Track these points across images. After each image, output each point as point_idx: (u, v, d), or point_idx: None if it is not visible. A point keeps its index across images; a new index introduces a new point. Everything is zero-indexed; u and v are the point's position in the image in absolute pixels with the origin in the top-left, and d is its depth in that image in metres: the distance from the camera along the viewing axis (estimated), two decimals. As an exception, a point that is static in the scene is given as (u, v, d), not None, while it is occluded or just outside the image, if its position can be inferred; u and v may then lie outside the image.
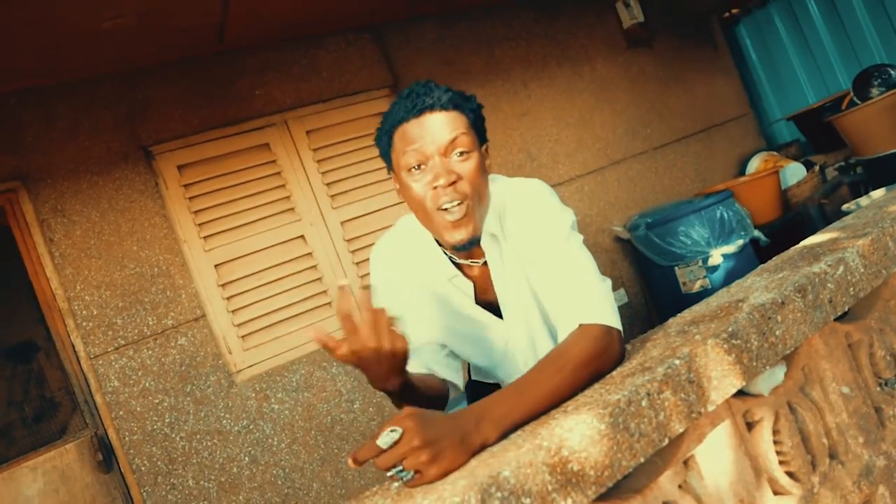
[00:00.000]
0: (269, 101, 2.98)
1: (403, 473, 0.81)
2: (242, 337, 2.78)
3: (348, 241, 3.08)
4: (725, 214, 3.35)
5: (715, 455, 1.05)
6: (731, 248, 3.29)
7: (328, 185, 3.07)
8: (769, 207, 3.75)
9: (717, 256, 3.29)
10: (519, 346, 1.27)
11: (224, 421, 2.66)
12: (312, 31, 3.10)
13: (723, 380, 0.99)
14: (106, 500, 2.44)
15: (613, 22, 4.10)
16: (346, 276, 3.03)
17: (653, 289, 3.74)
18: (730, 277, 3.25)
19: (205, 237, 2.77)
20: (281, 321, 2.86)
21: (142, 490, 2.47)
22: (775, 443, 1.15)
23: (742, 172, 4.30)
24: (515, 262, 1.23)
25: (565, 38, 3.93)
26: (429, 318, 1.24)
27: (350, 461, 0.85)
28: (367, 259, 3.06)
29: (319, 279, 2.98)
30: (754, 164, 4.20)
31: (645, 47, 4.20)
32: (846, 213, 2.60)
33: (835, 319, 1.30)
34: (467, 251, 1.16)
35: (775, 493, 1.12)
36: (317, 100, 3.10)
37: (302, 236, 2.99)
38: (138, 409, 2.53)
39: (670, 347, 1.03)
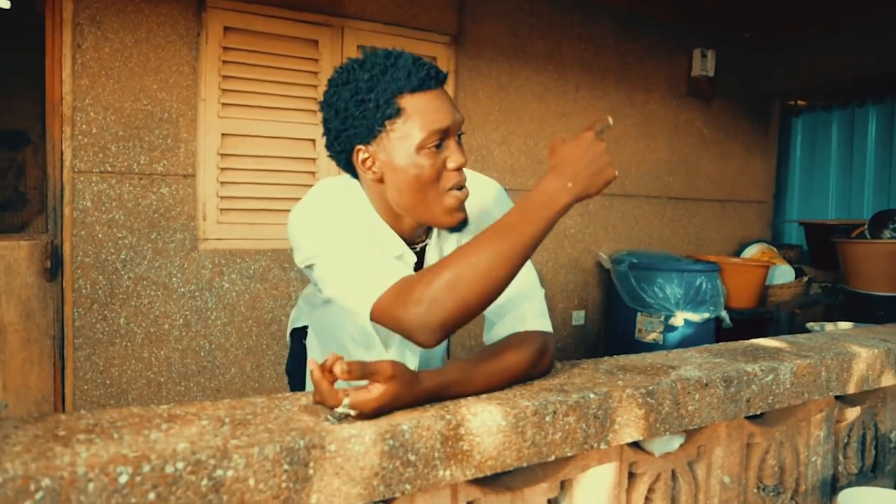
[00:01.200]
0: (334, 1, 2.95)
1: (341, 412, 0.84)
2: (221, 209, 2.81)
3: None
4: (705, 285, 3.43)
5: (592, 487, 1.13)
6: (695, 317, 3.38)
7: (357, 103, 3.07)
8: (747, 295, 3.84)
9: (679, 319, 3.39)
10: None
11: (174, 278, 2.72)
12: (402, -48, 3.06)
13: (625, 427, 1.06)
14: (40, 305, 2.50)
15: (683, 66, 4.08)
16: (339, 194, 3.06)
17: (610, 322, 3.84)
18: (683, 342, 3.35)
19: (223, 103, 2.78)
20: (262, 210, 2.90)
21: (75, 309, 2.54)
22: (647, 499, 1.25)
23: (738, 254, 4.38)
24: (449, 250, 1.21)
25: (633, 60, 3.92)
26: None
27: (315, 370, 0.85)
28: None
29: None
30: (751, 251, 4.27)
31: (702, 101, 4.21)
32: (808, 331, 2.70)
33: (747, 417, 1.39)
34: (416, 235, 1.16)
35: (628, 539, 1.22)
36: (379, 19, 3.08)
37: (313, 140, 3.00)
38: (100, 235, 2.57)
39: (593, 381, 1.11)
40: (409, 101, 1.00)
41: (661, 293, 3.43)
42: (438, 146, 1.02)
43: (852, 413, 1.59)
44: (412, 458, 0.86)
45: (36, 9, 2.50)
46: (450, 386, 0.96)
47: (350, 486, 0.82)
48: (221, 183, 2.80)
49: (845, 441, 1.60)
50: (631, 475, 1.21)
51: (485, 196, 1.20)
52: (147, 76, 2.62)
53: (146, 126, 2.63)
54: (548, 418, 0.98)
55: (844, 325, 2.69)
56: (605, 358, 1.29)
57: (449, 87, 3.30)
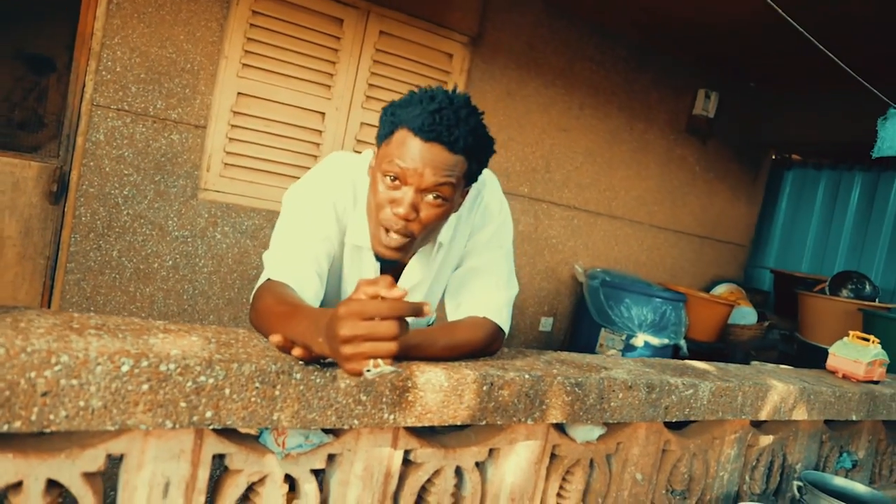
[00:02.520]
0: (365, -16, 3.08)
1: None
2: (225, 164, 2.94)
3: (358, 141, 3.24)
4: (669, 313, 3.61)
5: (516, 458, 1.29)
6: (655, 341, 3.56)
7: (370, 86, 3.21)
8: (709, 329, 4.03)
9: (640, 340, 3.56)
10: None
11: (170, 221, 2.84)
12: (438, -51, 3.19)
13: (552, 409, 1.22)
14: (40, 225, 2.62)
15: (686, 103, 4.25)
16: (339, 169, 3.20)
17: (575, 333, 4.02)
18: (574, 353, 3.52)
19: (244, 64, 2.90)
20: (263, 171, 3.03)
21: (73, 235, 2.66)
22: (564, 479, 1.41)
23: (707, 289, 4.57)
24: (445, 264, 1.32)
25: (639, 90, 4.08)
26: (330, 265, 1.25)
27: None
28: (365, 167, 3.23)
29: (315, 157, 3.15)
30: (720, 289, 4.46)
31: (699, 140, 4.38)
32: (752, 368, 2.87)
33: (668, 426, 1.55)
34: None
35: (541, 511, 1.38)
36: (405, 10, 3.21)
37: (323, 113, 3.13)
38: (107, 169, 2.69)
39: (531, 366, 1.27)
40: (402, 135, 1.06)
41: (626, 313, 3.61)
42: (394, 180, 1.08)
43: (764, 440, 1.76)
44: (363, 398, 1.01)
45: (81, -56, 2.61)
46: (411, 349, 1.09)
47: (307, 412, 0.97)
48: (230, 139, 2.93)
49: (754, 464, 1.78)
50: (553, 456, 1.38)
51: (483, 219, 1.31)
52: (176, 26, 2.74)
53: (167, 73, 2.75)
54: (485, 388, 1.13)
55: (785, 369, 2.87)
56: (549, 351, 1.45)
57: (459, 83, 3.44)
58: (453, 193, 1.10)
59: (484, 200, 1.32)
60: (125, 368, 0.84)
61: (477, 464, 1.27)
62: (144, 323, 1.01)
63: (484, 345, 1.23)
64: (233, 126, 2.93)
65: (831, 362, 2.02)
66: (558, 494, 1.41)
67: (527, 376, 1.19)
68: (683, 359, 3.82)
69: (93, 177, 2.67)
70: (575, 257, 4.02)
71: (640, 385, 1.36)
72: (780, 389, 1.65)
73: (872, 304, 3.42)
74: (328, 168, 1.28)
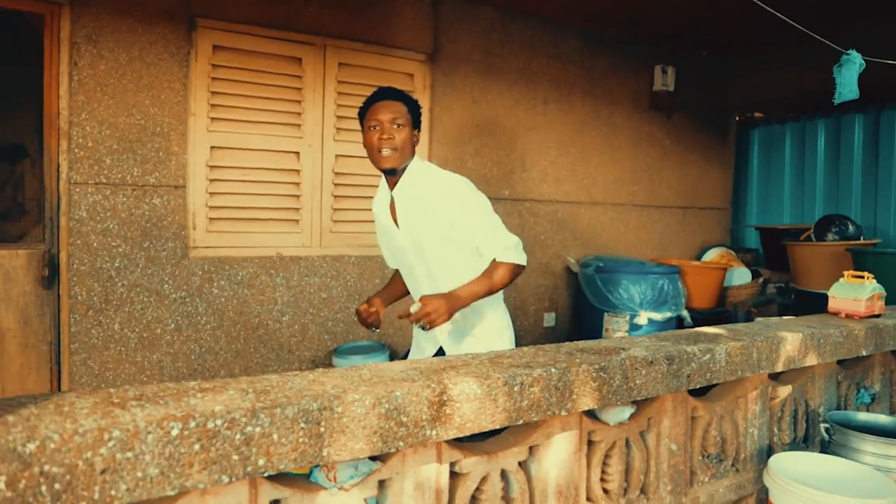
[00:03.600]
0: (317, 21, 3.13)
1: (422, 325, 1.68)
2: (210, 219, 2.96)
3: (336, 173, 3.27)
4: (667, 287, 3.67)
5: (556, 451, 1.33)
6: (658, 316, 3.62)
7: (339, 118, 3.25)
8: (707, 296, 4.10)
9: (643, 318, 3.62)
10: (405, 246, 1.94)
11: (166, 285, 2.85)
12: (381, -24, 3.25)
13: (582, 397, 1.26)
14: (37, 312, 2.61)
15: (646, 82, 4.35)
16: (321, 203, 3.23)
17: (579, 324, 4.06)
18: (580, 341, 3.57)
19: (212, 118, 2.93)
20: (249, 219, 3.05)
21: (71, 316, 2.66)
22: (604, 464, 1.44)
23: (698, 257, 4.65)
24: (414, 208, 1.86)
25: (598, 76, 4.17)
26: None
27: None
28: (346, 196, 3.27)
29: (297, 196, 3.18)
30: (711, 255, 4.54)
31: (664, 114, 4.47)
32: (757, 325, 2.92)
33: (692, 394, 1.59)
34: (393, 177, 1.86)
35: (588, 499, 1.41)
36: (360, 39, 3.27)
37: (297, 153, 3.17)
38: (95, 244, 2.70)
39: (554, 359, 1.30)
40: (369, 110, 1.83)
41: (626, 294, 3.66)
42: (374, 128, 1.80)
43: (784, 391, 1.81)
44: (404, 419, 1.04)
45: (33, 27, 2.63)
46: (475, 294, 1.77)
47: (354, 442, 1.00)
48: (210, 193, 2.95)
49: (779, 415, 1.82)
50: (590, 443, 1.41)
51: (434, 188, 1.84)
52: (140, 92, 2.76)
53: (139, 140, 2.77)
54: (516, 388, 1.17)
55: (786, 320, 2.93)
56: (566, 343, 1.48)
57: (423, 100, 3.49)
58: (407, 123, 1.82)
59: (433, 177, 1.86)
60: (175, 432, 0.86)
61: (520, 463, 1.30)
62: (180, 386, 1.03)
63: (509, 280, 1.83)
64: (211, 180, 2.95)
65: (832, 304, 2.08)
66: (602, 479, 1.44)
67: (553, 370, 1.22)
68: (688, 328, 3.88)
69: (82, 254, 2.67)
70: (565, 249, 4.08)
71: (660, 359, 1.40)
72: (790, 339, 1.70)
73: (858, 242, 3.51)
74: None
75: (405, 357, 3.44)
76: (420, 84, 3.51)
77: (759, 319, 3.13)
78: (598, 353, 1.38)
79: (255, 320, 3.06)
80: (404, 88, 3.46)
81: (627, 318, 3.66)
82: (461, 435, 1.12)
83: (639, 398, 1.37)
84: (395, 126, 1.80)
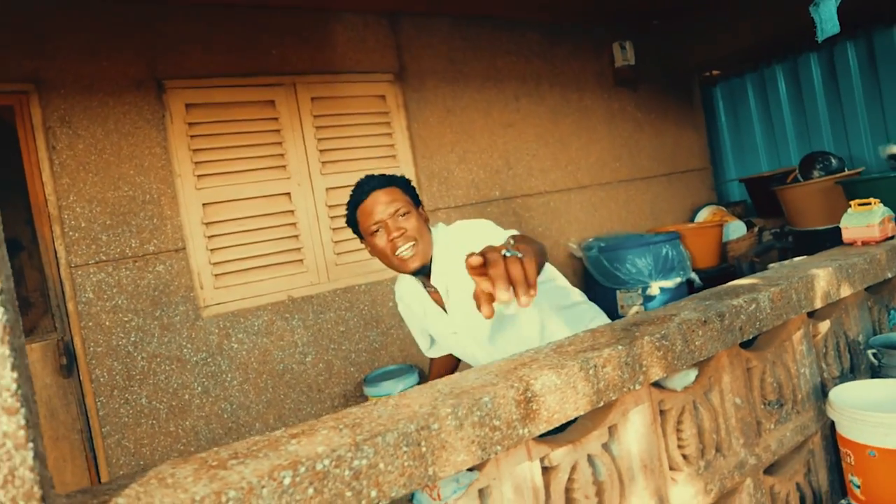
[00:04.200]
0: (283, 61, 3.14)
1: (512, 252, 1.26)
2: (216, 275, 2.93)
3: (330, 206, 3.27)
4: (670, 253, 3.72)
5: (633, 428, 1.33)
6: (669, 283, 3.66)
7: (322, 151, 3.26)
8: (709, 255, 4.15)
9: (655, 288, 3.66)
10: (460, 331, 1.71)
11: (185, 350, 2.81)
12: (336, 5, 3.28)
13: (651, 368, 1.27)
14: (62, 402, 2.56)
15: (606, 60, 4.43)
16: (321, 238, 3.22)
17: (593, 307, 4.08)
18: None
19: (198, 175, 2.91)
20: (254, 268, 3.03)
21: (97, 399, 2.61)
22: (678, 430, 1.45)
23: (692, 219, 4.71)
24: (459, 287, 1.62)
25: (561, 64, 4.23)
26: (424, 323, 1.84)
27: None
28: (344, 227, 3.26)
29: (297, 236, 3.17)
30: (703, 215, 4.61)
31: (630, 89, 4.55)
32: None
33: (742, 346, 1.62)
34: (426, 276, 1.66)
35: (671, 468, 1.42)
36: (327, 70, 3.28)
37: (288, 194, 3.16)
38: (107, 323, 2.66)
39: (615, 338, 1.31)
40: (360, 212, 1.60)
41: (633, 269, 3.70)
42: (377, 230, 1.57)
43: (824, 326, 1.84)
44: (497, 423, 1.04)
45: (3, 119, 2.60)
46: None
47: (455, 455, 0.99)
48: (211, 250, 2.93)
49: (823, 351, 1.86)
50: (662, 413, 1.42)
51: (469, 239, 1.57)
52: (123, 164, 2.74)
53: (131, 210, 2.74)
54: (591, 371, 1.17)
55: (797, 260, 2.98)
56: (616, 321, 1.50)
57: (399, 118, 3.51)
58: (409, 208, 1.59)
59: (456, 231, 1.64)
60: (287, 481, 0.86)
61: (602, 446, 1.31)
62: (269, 437, 1.02)
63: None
64: (209, 237, 2.93)
65: (846, 235, 2.12)
66: (678, 446, 1.45)
67: (619, 347, 1.23)
68: (699, 290, 3.92)
69: (96, 336, 2.63)
70: (564, 237, 4.11)
71: (713, 317, 1.42)
72: (822, 275, 1.73)
73: (845, 174, 3.59)
74: (396, 292, 1.92)
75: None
76: (393, 103, 3.53)
77: (774, 265, 3.19)
78: (653, 322, 1.40)
79: (280, 367, 3.03)
80: (379, 111, 3.50)
81: (639, 291, 3.69)
82: (550, 428, 1.12)
83: (700, 359, 1.39)
84: (401, 217, 1.55)
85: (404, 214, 1.56)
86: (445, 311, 1.70)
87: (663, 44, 4.77)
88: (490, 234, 1.59)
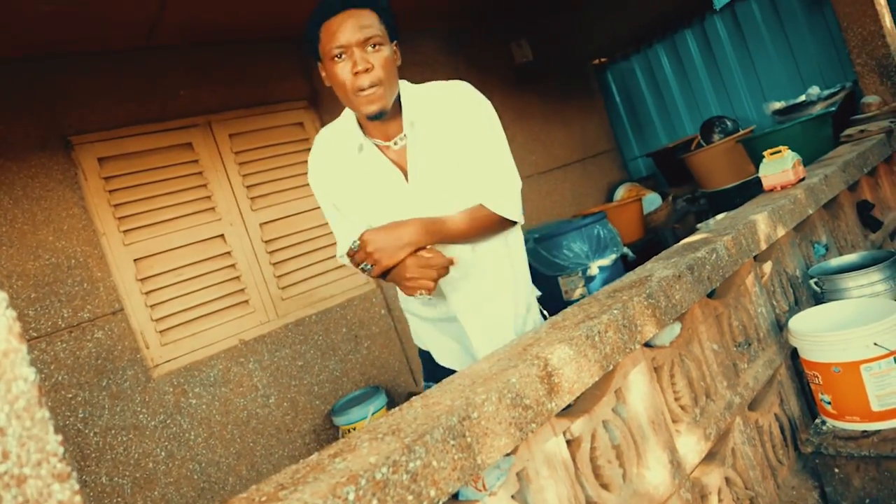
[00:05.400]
0: (194, 101, 3.04)
1: (364, 267, 1.32)
2: (160, 332, 2.78)
3: (266, 242, 3.18)
4: (601, 232, 3.89)
5: (635, 388, 1.40)
6: (606, 262, 3.82)
7: (248, 187, 3.17)
8: (633, 229, 4.38)
9: (594, 268, 3.81)
10: (420, 207, 1.44)
11: (140, 416, 2.64)
12: (241, 38, 3.21)
13: (645, 326, 1.34)
14: (12, 498, 2.33)
15: (507, 59, 4.59)
16: (263, 276, 3.13)
17: (538, 297, 4.19)
18: (605, 285, 3.77)
19: (124, 231, 2.76)
20: (200, 317, 2.90)
21: (52, 487, 2.39)
22: (672, 383, 1.53)
23: (609, 199, 4.96)
24: (432, 144, 1.44)
25: (466, 68, 4.35)
26: (354, 195, 1.49)
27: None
28: (284, 260, 3.18)
29: (238, 277, 3.06)
30: (620, 193, 4.86)
31: (532, 84, 4.74)
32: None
33: (707, 296, 1.73)
34: (381, 121, 1.41)
35: (672, 420, 1.49)
36: (240, 105, 3.20)
37: (221, 235, 3.05)
38: (49, 403, 2.44)
39: (605, 305, 1.37)
40: (324, 29, 1.31)
41: (570, 253, 3.84)
42: (340, 56, 1.31)
43: (768, 266, 2.01)
44: (527, 402, 1.07)
45: None
46: (440, 232, 1.38)
47: (497, 440, 1.01)
48: (151, 306, 2.77)
49: (772, 290, 2.02)
50: (656, 370, 1.49)
51: (450, 98, 1.45)
52: (39, 230, 2.55)
53: (57, 279, 2.55)
54: (596, 338, 1.22)
55: (720, 217, 3.22)
56: (598, 291, 1.56)
57: (323, 144, 3.48)
58: (384, 40, 1.34)
59: (456, 85, 1.48)
60: (351, 496, 0.84)
61: (613, 410, 1.36)
62: (309, 462, 0.99)
63: (495, 230, 1.48)
64: (147, 293, 2.77)
65: (766, 182, 2.32)
66: (675, 399, 1.53)
67: (615, 311, 1.29)
68: (632, 263, 4.13)
69: (40, 420, 2.41)
70: (500, 233, 4.20)
71: (684, 271, 1.51)
72: (761, 219, 1.89)
73: (742, 132, 3.91)
74: (314, 148, 1.57)
75: (409, 394, 3.40)
76: (312, 129, 3.49)
77: (701, 224, 3.41)
78: (633, 286, 1.47)
79: (244, 414, 2.91)
80: (295, 138, 3.45)
81: (580, 273, 3.83)
82: (573, 398, 1.16)
83: (682, 311, 1.48)
84: (371, 48, 1.30)
85: (375, 46, 1.31)
86: (407, 180, 1.45)
87: (556, 37, 5.00)
88: (472, 115, 1.44)
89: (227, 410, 2.87)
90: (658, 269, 1.58)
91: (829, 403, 1.70)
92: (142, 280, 2.76)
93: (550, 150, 4.77)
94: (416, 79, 4.01)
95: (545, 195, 4.62)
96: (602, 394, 1.34)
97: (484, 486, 1.07)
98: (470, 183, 1.45)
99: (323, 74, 1.41)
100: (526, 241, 3.93)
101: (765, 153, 2.35)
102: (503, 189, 1.45)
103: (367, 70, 1.30)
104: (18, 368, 0.68)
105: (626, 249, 4.02)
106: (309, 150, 3.37)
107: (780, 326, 1.95)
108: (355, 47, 1.29)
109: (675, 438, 1.47)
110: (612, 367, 1.25)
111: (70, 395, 2.50)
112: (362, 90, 1.31)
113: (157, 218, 2.85)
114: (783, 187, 2.27)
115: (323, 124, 3.52)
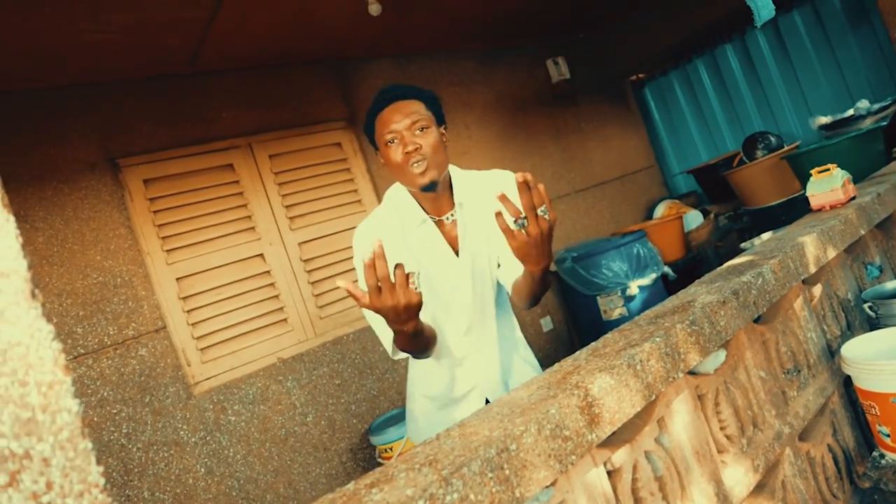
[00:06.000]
0: (234, 124, 3.11)
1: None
2: (201, 350, 2.83)
3: (305, 261, 3.22)
4: (641, 251, 3.82)
5: (679, 418, 1.35)
6: (646, 281, 3.75)
7: (287, 207, 3.22)
8: (674, 248, 4.29)
9: (634, 287, 3.74)
10: (467, 279, 1.60)
11: (181, 432, 2.68)
12: (280, 61, 3.29)
13: (688, 354, 1.30)
14: (58, 511, 2.39)
15: (543, 77, 4.58)
16: (301, 295, 3.17)
17: (576, 317, 4.14)
18: (645, 306, 3.70)
19: (168, 250, 2.83)
20: (239, 335, 2.95)
21: (96, 501, 2.44)
22: (717, 412, 1.48)
23: (649, 217, 4.87)
24: (477, 223, 1.59)
25: (502, 87, 4.36)
26: (414, 265, 1.58)
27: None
28: (322, 279, 3.21)
29: (277, 296, 3.10)
30: (660, 210, 4.77)
31: (569, 102, 4.72)
32: (742, 251, 3.10)
33: (752, 321, 1.67)
34: (434, 193, 1.55)
35: (718, 451, 1.44)
36: (280, 126, 3.27)
37: (261, 255, 3.10)
38: (95, 419, 2.51)
39: (646, 332, 1.33)
40: (378, 120, 1.51)
41: (610, 272, 3.78)
42: (393, 142, 1.48)
43: (817, 290, 1.93)
44: (567, 433, 1.04)
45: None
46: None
47: (536, 472, 0.98)
48: (193, 324, 2.83)
49: (822, 314, 1.94)
50: (699, 398, 1.44)
51: (493, 182, 1.60)
52: (88, 250, 2.64)
53: (104, 297, 2.63)
54: (638, 367, 1.19)
55: (765, 236, 3.12)
56: (637, 317, 1.52)
57: (358, 163, 3.52)
58: (430, 124, 1.49)
59: (500, 173, 1.63)
60: (387, 528, 0.83)
61: (655, 440, 1.31)
62: (344, 491, 0.98)
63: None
64: (188, 311, 2.83)
65: (814, 202, 2.24)
66: (721, 428, 1.47)
67: (657, 339, 1.26)
68: (673, 283, 4.04)
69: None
70: (536, 252, 4.16)
71: (729, 296, 1.46)
72: (810, 241, 1.82)
73: (787, 149, 3.81)
74: (360, 229, 1.61)
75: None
76: (350, 149, 3.54)
77: (746, 244, 3.32)
78: (675, 312, 1.43)
79: (282, 432, 2.93)
80: (338, 158, 3.50)
81: (619, 293, 3.77)
82: (614, 429, 1.12)
83: (727, 338, 1.43)
84: (419, 131, 1.47)
85: (423, 129, 1.47)
86: (458, 255, 1.57)
87: (592, 54, 4.98)
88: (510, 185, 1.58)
89: (265, 428, 2.89)
90: (702, 293, 1.53)
91: (889, 436, 1.61)
92: (184, 298, 2.82)
93: (588, 167, 4.73)
94: (454, 99, 4.04)
95: (583, 213, 4.57)
96: (644, 423, 1.30)
97: (522, 519, 1.04)
98: (509, 261, 1.57)
99: (381, 161, 1.55)
100: (564, 260, 3.92)
101: (812, 171, 2.27)
102: None
103: (416, 150, 1.46)
104: (63, 400, 0.69)
105: (666, 268, 3.94)
106: (347, 170, 3.44)
107: (831, 352, 1.87)
108: (404, 131, 1.46)
109: (720, 470, 1.41)
110: (654, 397, 1.21)
111: (115, 411, 2.56)
112: (414, 165, 1.47)
113: (199, 237, 2.91)
114: (832, 206, 2.19)
115: (362, 144, 3.57)
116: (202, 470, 2.70)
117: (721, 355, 1.47)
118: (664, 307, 1.54)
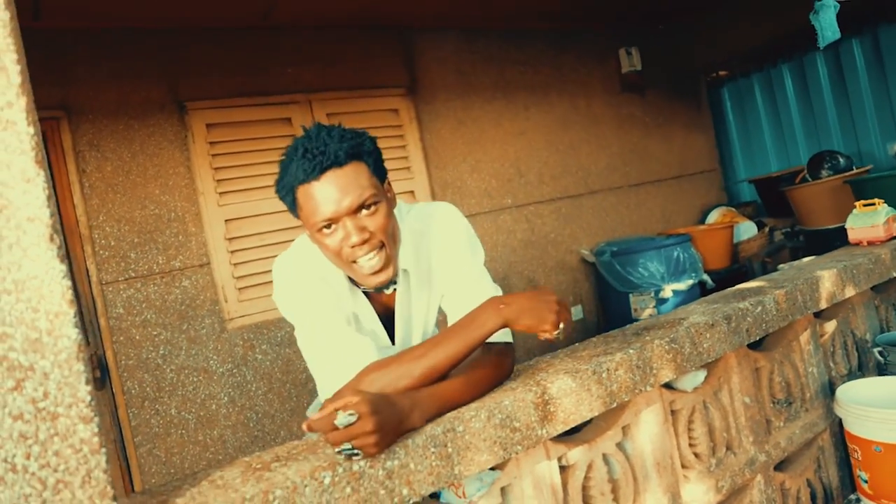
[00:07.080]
0: (297, 80, 3.24)
1: (349, 450, 0.93)
2: (239, 289, 3.03)
3: (347, 219, 3.36)
4: (682, 256, 3.77)
5: (645, 427, 1.40)
6: (681, 286, 3.71)
7: (337, 165, 3.35)
8: (720, 256, 4.20)
9: (668, 291, 3.71)
10: (399, 346, 1.33)
11: (211, 361, 2.91)
12: (347, 23, 3.38)
13: (661, 370, 1.34)
14: (96, 413, 2.66)
15: (613, 66, 4.49)
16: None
17: (607, 310, 4.14)
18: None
19: (220, 193, 3.02)
20: (276, 281, 3.13)
21: (129, 410, 2.71)
22: (689, 429, 1.52)
23: (702, 221, 4.76)
24: (422, 290, 1.30)
25: (568, 72, 4.31)
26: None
27: (304, 427, 0.96)
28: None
29: (315, 249, 3.26)
30: (714, 216, 4.65)
31: (637, 94, 4.61)
32: (774, 272, 3.03)
33: (750, 346, 1.68)
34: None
35: (683, 466, 1.48)
36: (340, 87, 3.38)
37: (306, 208, 3.25)
38: (137, 337, 2.76)
39: (626, 342, 1.38)
40: (301, 193, 1.09)
41: (645, 272, 3.75)
42: (329, 227, 1.09)
43: (830, 325, 1.90)
44: (517, 424, 1.12)
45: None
46: (437, 400, 1.07)
47: (479, 455, 1.07)
48: (234, 265, 3.03)
49: (831, 350, 1.91)
50: (673, 412, 1.49)
51: (438, 237, 1.27)
52: (149, 184, 2.85)
53: (157, 228, 2.85)
54: (604, 375, 1.25)
55: (806, 260, 3.03)
56: (628, 326, 1.57)
57: (412, 131, 3.60)
58: (375, 194, 1.11)
59: (438, 219, 1.28)
60: (327, 481, 0.94)
61: (616, 445, 1.38)
62: (307, 441, 1.11)
63: (498, 375, 1.18)
64: (232, 252, 3.03)
65: (852, 236, 2.18)
66: (690, 445, 1.52)
67: (630, 351, 1.31)
68: (711, 291, 3.97)
69: (127, 350, 2.73)
70: (577, 243, 4.17)
71: (720, 320, 1.49)
72: (827, 276, 1.79)
73: (853, 172, 3.63)
74: (291, 267, 1.26)
75: None
76: (406, 117, 3.62)
77: (784, 266, 3.23)
78: (662, 327, 1.47)
79: (303, 376, 3.12)
80: (392, 125, 3.60)
81: (652, 294, 3.75)
82: (567, 428, 1.19)
83: (709, 360, 1.46)
84: (365, 210, 1.10)
85: (371, 206, 1.10)
86: (393, 340, 1.31)
87: (668, 47, 4.82)
88: (452, 248, 1.26)
89: (288, 370, 3.09)
90: (695, 313, 1.56)
91: (867, 482, 1.61)
92: (229, 239, 3.02)
93: (646, 163, 4.64)
94: (517, 80, 4.02)
95: (633, 208, 4.51)
96: (608, 427, 1.36)
97: (464, 493, 1.14)
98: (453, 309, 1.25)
99: (307, 233, 1.19)
100: (602, 253, 3.92)
101: (857, 203, 2.19)
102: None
103: (364, 241, 1.10)
104: (66, 328, 0.83)
105: (705, 276, 3.87)
106: (401, 136, 3.52)
107: (832, 390, 1.85)
108: (346, 217, 1.09)
109: (680, 484, 1.46)
110: (615, 405, 1.27)
111: (155, 333, 2.80)
112: (363, 261, 1.12)
113: (250, 184, 3.09)
114: (870, 243, 2.13)
115: (419, 113, 3.64)
116: (225, 398, 2.93)
117: (700, 376, 1.51)
118: (657, 320, 1.58)
